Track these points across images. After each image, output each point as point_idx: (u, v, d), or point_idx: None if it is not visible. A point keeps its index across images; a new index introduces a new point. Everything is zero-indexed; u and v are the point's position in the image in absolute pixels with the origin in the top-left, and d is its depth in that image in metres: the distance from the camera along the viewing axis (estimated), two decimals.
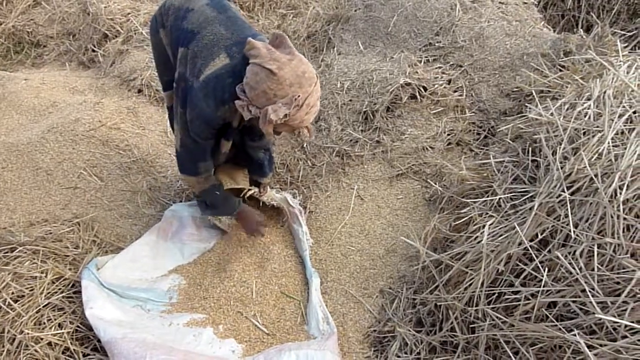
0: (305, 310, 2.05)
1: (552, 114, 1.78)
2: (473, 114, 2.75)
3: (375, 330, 1.92)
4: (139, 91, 3.44)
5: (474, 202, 1.79)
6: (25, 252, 2.06)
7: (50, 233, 2.22)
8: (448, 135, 2.63)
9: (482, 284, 1.61)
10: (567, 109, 1.79)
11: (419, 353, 1.76)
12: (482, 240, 1.62)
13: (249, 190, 2.32)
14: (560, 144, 1.64)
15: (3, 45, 4.45)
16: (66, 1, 4.54)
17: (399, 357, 1.77)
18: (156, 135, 3.08)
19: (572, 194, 1.53)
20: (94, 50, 4.06)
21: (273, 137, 1.64)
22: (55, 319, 1.91)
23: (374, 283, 2.08)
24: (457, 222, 1.80)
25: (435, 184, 2.21)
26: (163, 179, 2.78)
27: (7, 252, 2.06)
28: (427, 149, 2.56)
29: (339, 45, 3.46)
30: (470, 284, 1.65)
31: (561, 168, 1.57)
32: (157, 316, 2.02)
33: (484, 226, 1.65)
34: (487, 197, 1.77)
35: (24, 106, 3.15)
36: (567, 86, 2.12)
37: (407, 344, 1.80)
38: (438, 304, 1.76)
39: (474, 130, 2.69)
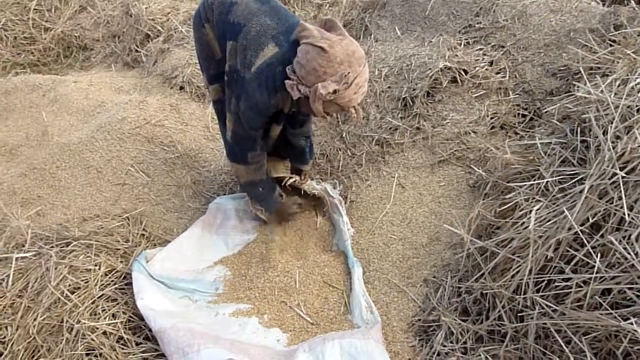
0: (348, 300, 2.05)
1: (602, 92, 1.69)
2: (517, 95, 2.64)
3: (419, 320, 1.90)
4: (181, 88, 3.53)
5: (520, 187, 1.72)
6: (80, 246, 2.16)
7: (102, 228, 2.32)
8: (491, 118, 2.54)
9: (530, 271, 1.56)
10: (619, 86, 1.69)
11: (465, 342, 1.73)
12: (529, 226, 1.56)
13: (290, 178, 2.34)
14: (612, 123, 1.55)
15: (53, 50, 4.64)
16: (110, 4, 4.70)
17: (444, 346, 1.75)
18: (198, 131, 3.15)
19: (625, 174, 1.44)
20: (137, 51, 4.19)
21: (323, 117, 1.69)
22: (109, 310, 1.99)
23: (418, 272, 2.05)
24: (502, 208, 1.74)
25: (479, 169, 2.14)
26: (207, 173, 2.84)
27: (63, 247, 2.17)
28: (469, 133, 2.49)
29: (376, 32, 3.41)
30: (518, 272, 1.60)
31: (613, 148, 1.49)
32: (204, 306, 2.08)
33: (530, 211, 1.59)
34: (534, 181, 1.70)
35: (74, 107, 3.29)
36: (618, 61, 2.00)
37: (452, 333, 1.76)
38: (484, 292, 1.72)
39: (519, 112, 2.59)
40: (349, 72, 1.55)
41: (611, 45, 2.42)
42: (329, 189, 2.43)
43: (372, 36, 3.37)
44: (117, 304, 2.04)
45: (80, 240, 2.18)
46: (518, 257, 1.61)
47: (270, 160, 2.40)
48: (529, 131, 2.46)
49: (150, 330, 1.90)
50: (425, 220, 2.23)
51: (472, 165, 2.35)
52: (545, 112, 2.08)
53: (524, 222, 1.63)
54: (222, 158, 2.90)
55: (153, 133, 2.95)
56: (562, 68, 2.64)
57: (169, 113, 3.20)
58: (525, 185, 1.70)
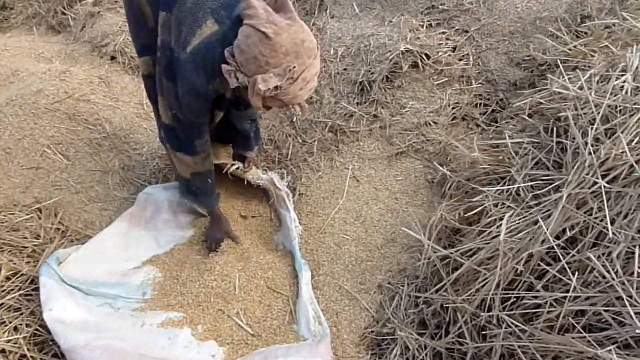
0: (294, 308, 1.83)
1: (580, 88, 1.53)
2: (480, 85, 2.50)
3: (372, 332, 1.71)
4: (112, 58, 3.14)
5: (489, 190, 1.55)
6: None
7: (6, 221, 1.96)
8: (452, 108, 2.38)
9: (498, 285, 1.40)
10: (599, 82, 1.54)
11: (422, 359, 1.56)
12: (498, 235, 1.39)
13: (232, 165, 2.08)
14: (592, 124, 1.40)
15: None
16: None
17: None
18: (131, 108, 2.80)
19: (607, 183, 1.29)
20: (64, 13, 3.71)
21: (262, 111, 1.43)
22: (10, 322, 1.69)
23: (372, 277, 1.86)
24: (468, 213, 1.57)
25: (442, 165, 1.95)
26: (138, 157, 2.51)
27: None
28: (429, 124, 2.32)
29: (332, 8, 3.15)
30: (484, 285, 1.43)
31: (594, 152, 1.34)
32: (128, 315, 1.80)
33: (500, 219, 1.42)
34: (504, 184, 1.53)
35: None
36: (591, 55, 1.86)
37: (409, 348, 1.59)
38: (445, 305, 1.55)
39: (481, 102, 2.44)
40: (294, 66, 1.31)
41: (578, 37, 2.30)
42: (276, 179, 2.18)
43: (328, 11, 3.11)
44: (21, 314, 1.73)
45: None
46: (484, 269, 1.44)
47: (210, 146, 2.12)
48: (491, 124, 2.32)
49: None
50: (380, 218, 2.04)
51: (432, 160, 2.18)
52: (516, 105, 1.92)
53: (491, 232, 1.46)
54: (156, 140, 2.57)
55: (76, 109, 2.57)
56: (526, 58, 2.50)
57: (96, 86, 2.82)
58: (494, 189, 1.53)
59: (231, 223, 2.05)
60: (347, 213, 2.09)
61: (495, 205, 1.49)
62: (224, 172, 2.11)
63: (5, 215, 2.00)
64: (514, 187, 1.48)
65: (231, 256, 1.97)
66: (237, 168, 2.11)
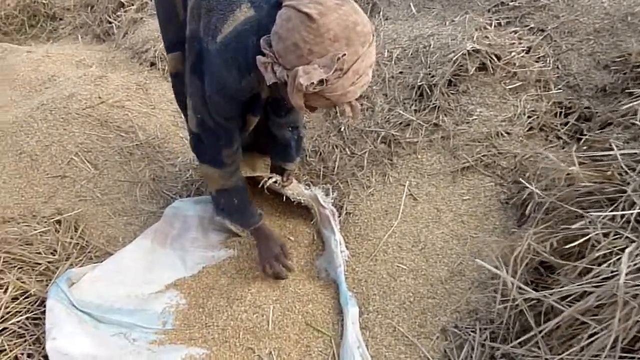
0: (337, 351, 1.51)
1: None
2: (560, 90, 2.13)
3: None
4: (152, 64, 3.00)
5: (595, 215, 1.19)
6: None
7: (20, 234, 1.77)
8: (529, 117, 2.03)
9: (614, 343, 1.03)
10: None
11: None
12: (614, 276, 1.03)
13: (269, 178, 1.82)
14: None
15: (17, 19, 4.16)
16: None
17: None
18: (167, 116, 2.62)
19: None
20: (109, 22, 3.65)
21: (305, 112, 1.17)
22: (11, 350, 1.48)
23: (434, 318, 1.52)
24: (568, 246, 1.20)
25: (532, 185, 1.56)
26: (170, 168, 2.30)
27: None
28: (502, 134, 1.97)
29: (386, 10, 2.88)
30: (592, 342, 1.07)
31: None
32: (145, 349, 1.54)
33: (616, 254, 1.06)
34: (617, 208, 1.17)
35: (19, 80, 2.75)
36: None
37: None
38: None
39: (562, 111, 2.07)
40: (344, 54, 1.04)
41: None
42: (320, 196, 1.90)
43: (381, 14, 2.84)
44: (25, 341, 1.51)
45: None
46: (593, 319, 1.08)
47: (246, 156, 1.87)
48: (574, 136, 1.95)
49: None
50: (444, 245, 1.70)
51: (505, 177, 1.83)
52: (623, 108, 1.53)
53: (600, 271, 1.10)
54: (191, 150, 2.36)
55: (109, 115, 2.40)
56: (616, 59, 2.12)
57: (133, 92, 2.66)
58: (603, 214, 1.17)
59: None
60: (402, 237, 1.77)
61: (606, 236, 1.13)
62: (259, 186, 1.85)
63: (20, 227, 1.81)
64: (632, 213, 1.12)
65: (265, 284, 1.68)
66: (275, 182, 1.85)
